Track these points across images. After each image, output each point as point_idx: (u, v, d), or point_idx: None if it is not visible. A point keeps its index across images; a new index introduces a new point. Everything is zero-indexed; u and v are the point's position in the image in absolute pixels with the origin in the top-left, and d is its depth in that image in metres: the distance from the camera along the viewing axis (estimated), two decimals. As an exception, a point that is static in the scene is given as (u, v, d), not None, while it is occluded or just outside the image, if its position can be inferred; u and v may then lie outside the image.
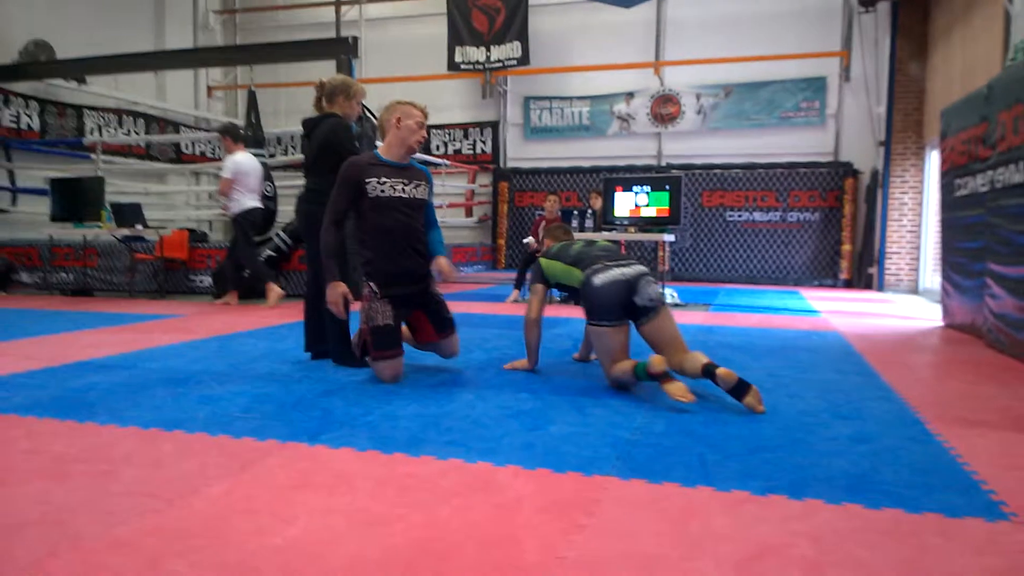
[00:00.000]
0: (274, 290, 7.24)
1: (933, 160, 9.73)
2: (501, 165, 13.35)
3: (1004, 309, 4.90)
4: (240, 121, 10.19)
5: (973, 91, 5.81)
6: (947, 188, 6.35)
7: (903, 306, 8.42)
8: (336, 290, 3.76)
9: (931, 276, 9.93)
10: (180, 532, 1.90)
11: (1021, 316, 4.61)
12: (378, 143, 3.98)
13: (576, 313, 6.66)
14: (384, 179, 3.79)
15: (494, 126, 13.45)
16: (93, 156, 10.88)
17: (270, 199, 8.60)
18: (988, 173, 5.24)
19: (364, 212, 3.79)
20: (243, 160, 7.38)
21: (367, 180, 3.76)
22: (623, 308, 3.64)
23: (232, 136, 7.55)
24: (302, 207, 4.44)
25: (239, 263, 7.56)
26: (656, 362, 3.30)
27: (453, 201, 12.98)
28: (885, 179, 10.54)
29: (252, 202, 7.44)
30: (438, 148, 13.61)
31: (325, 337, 4.32)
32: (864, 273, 11.04)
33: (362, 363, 4.10)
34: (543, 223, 8.48)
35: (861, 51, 11.24)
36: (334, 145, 4.24)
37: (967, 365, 4.55)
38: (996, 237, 5.07)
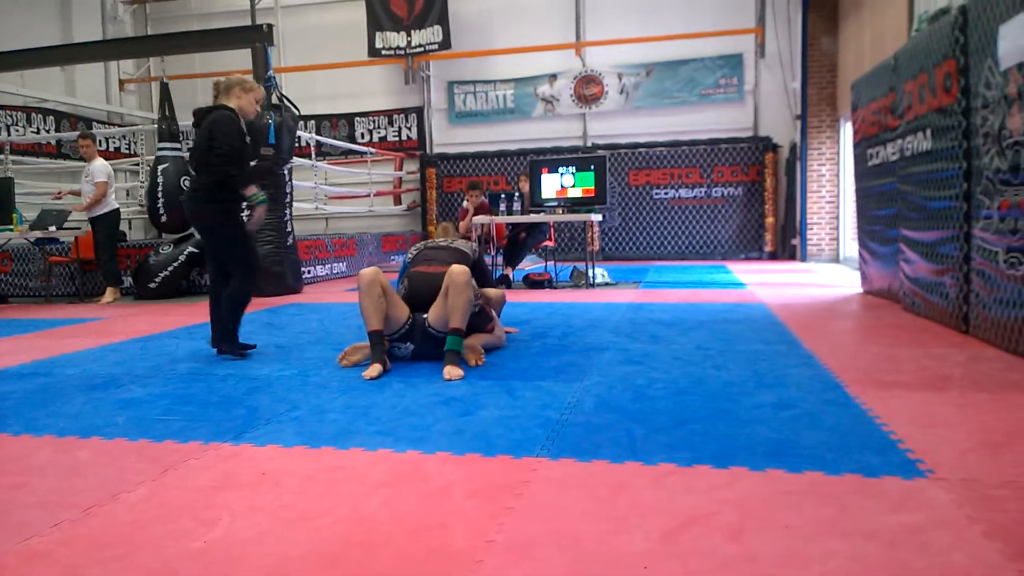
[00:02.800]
0: (111, 293, 7.80)
1: (847, 132, 10.02)
2: (428, 151, 13.22)
3: (918, 273, 5.09)
4: (155, 114, 9.89)
5: (881, 62, 5.99)
6: (860, 158, 6.55)
7: (825, 275, 8.68)
8: None
9: (851, 244, 10.24)
10: (97, 541, 1.83)
11: (934, 279, 4.79)
12: None
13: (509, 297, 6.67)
14: None
15: (419, 112, 13.30)
16: (1, 156, 10.39)
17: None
18: (897, 142, 5.42)
19: None
20: (107, 164, 7.82)
21: None
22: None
23: (95, 141, 7.96)
24: (193, 207, 4.18)
25: (110, 259, 7.88)
26: None
27: (381, 189, 12.81)
28: (803, 152, 10.82)
29: (115, 203, 7.91)
30: (363, 136, 13.40)
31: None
32: (787, 244, 11.34)
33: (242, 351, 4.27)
34: (469, 213, 8.41)
35: (775, 28, 11.48)
36: (212, 138, 4.04)
37: (885, 329, 4.72)
38: (907, 204, 5.25)
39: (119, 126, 13.29)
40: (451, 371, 3.56)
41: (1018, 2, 3.58)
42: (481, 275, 4.57)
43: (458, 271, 3.75)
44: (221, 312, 4.25)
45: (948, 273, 4.55)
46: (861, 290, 6.75)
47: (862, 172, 6.53)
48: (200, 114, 4.18)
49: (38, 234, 8.03)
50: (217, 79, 4.30)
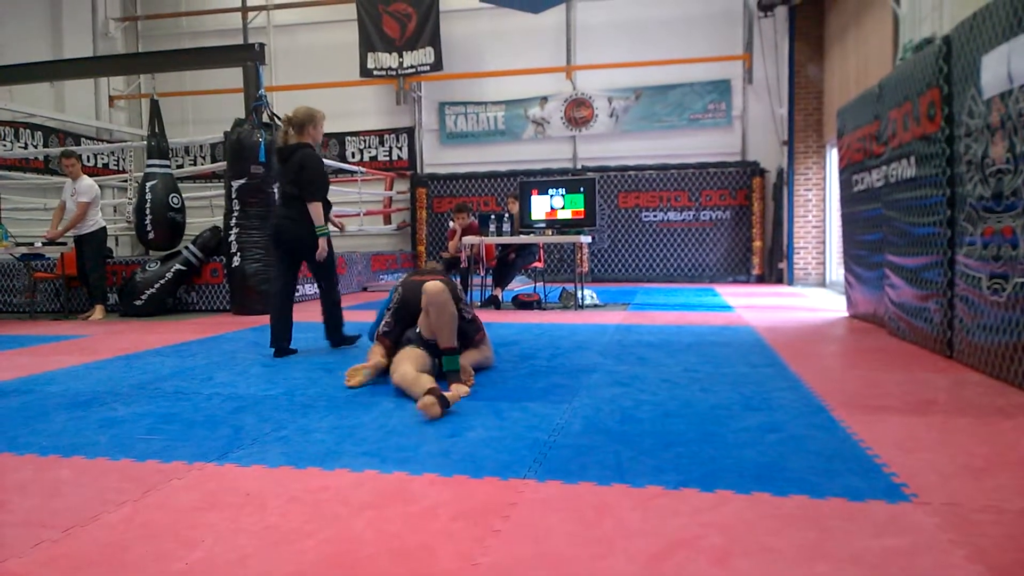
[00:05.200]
0: (100, 311, 7.80)
1: (833, 158, 10.12)
2: (418, 171, 13.25)
3: (902, 298, 5.13)
4: (145, 131, 9.90)
5: (866, 90, 6.07)
6: (845, 184, 6.61)
7: (811, 299, 8.72)
8: None
9: (837, 269, 10.32)
10: (77, 562, 1.81)
11: (919, 304, 4.83)
12: None
13: (498, 317, 6.70)
14: None
15: (410, 132, 13.35)
16: (-13, 172, 10.36)
17: (178, 211, 8.35)
18: (882, 168, 5.48)
19: None
20: (94, 183, 7.85)
21: None
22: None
23: (79, 159, 8.00)
24: (300, 232, 4.91)
25: (99, 277, 7.89)
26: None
27: (371, 208, 12.82)
28: (790, 177, 10.91)
29: (102, 221, 7.96)
30: (353, 155, 13.43)
31: (290, 336, 5.05)
32: (775, 268, 11.40)
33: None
34: (457, 233, 8.42)
35: (762, 55, 11.61)
36: (311, 171, 4.84)
37: (870, 353, 4.74)
38: (892, 229, 5.30)
39: (108, 142, 13.26)
40: (457, 388, 3.49)
41: (1000, 33, 3.64)
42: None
43: (433, 289, 3.76)
44: (290, 312, 5.05)
45: (932, 298, 4.59)
46: (847, 314, 6.79)
47: (847, 198, 6.59)
48: (286, 152, 4.88)
49: (24, 250, 8.00)
50: (287, 115, 4.89)
